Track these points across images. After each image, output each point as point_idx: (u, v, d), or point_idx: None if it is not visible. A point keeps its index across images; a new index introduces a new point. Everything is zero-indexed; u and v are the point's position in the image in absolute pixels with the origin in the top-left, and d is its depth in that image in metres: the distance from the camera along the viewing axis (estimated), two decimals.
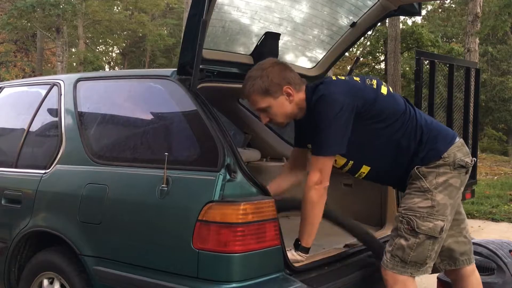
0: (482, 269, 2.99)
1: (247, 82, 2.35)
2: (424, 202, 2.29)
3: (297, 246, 2.38)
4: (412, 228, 2.28)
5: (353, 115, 2.26)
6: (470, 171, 2.40)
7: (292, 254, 2.32)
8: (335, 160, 2.38)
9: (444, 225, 2.29)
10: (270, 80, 2.30)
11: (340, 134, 2.25)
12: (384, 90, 2.40)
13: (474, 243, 3.15)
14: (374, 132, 2.35)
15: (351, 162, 2.41)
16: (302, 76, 3.35)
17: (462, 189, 2.41)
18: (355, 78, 2.43)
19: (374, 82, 2.41)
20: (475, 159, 2.52)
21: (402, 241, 2.30)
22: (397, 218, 2.36)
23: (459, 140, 2.42)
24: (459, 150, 2.37)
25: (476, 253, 3.05)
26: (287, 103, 2.35)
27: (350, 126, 2.26)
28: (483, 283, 2.82)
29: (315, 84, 2.38)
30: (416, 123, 2.39)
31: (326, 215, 2.52)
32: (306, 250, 2.38)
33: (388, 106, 2.36)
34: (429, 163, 2.32)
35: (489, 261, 3.05)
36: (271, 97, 2.32)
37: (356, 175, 2.48)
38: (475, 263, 2.99)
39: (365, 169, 2.44)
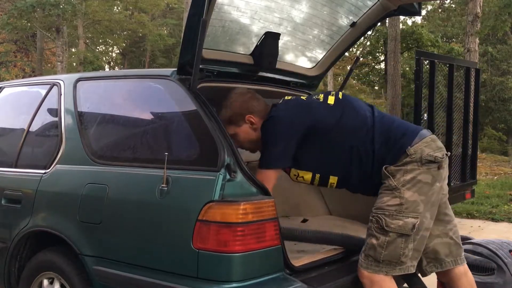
0: (482, 269, 2.99)
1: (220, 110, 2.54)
2: (392, 200, 2.32)
3: None
4: (381, 227, 2.31)
5: (299, 133, 2.40)
6: (444, 166, 2.38)
7: None
8: (302, 177, 2.52)
9: (416, 222, 2.28)
10: (232, 111, 2.53)
11: (280, 150, 2.40)
12: (331, 100, 2.50)
13: (474, 243, 3.15)
14: (328, 143, 2.43)
15: (317, 175, 2.51)
16: (302, 76, 3.37)
17: (438, 184, 2.38)
18: (302, 97, 2.63)
19: (321, 96, 2.54)
20: (449, 153, 2.47)
21: (373, 240, 2.33)
22: (369, 218, 2.39)
23: (428, 136, 2.41)
24: (427, 145, 2.36)
25: (476, 253, 3.05)
26: (251, 131, 2.55)
27: (294, 142, 2.39)
28: (483, 283, 2.82)
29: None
30: (374, 127, 2.42)
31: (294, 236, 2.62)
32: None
33: (335, 116, 2.44)
34: (396, 161, 2.35)
35: (489, 261, 3.05)
36: (235, 126, 2.54)
37: (328, 186, 2.56)
38: (475, 263, 2.99)
39: (333, 179, 2.51)
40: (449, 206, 2.61)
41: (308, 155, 2.46)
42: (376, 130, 2.41)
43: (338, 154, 2.44)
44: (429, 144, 2.38)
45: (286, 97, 2.64)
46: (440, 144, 2.42)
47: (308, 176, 2.51)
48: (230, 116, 2.53)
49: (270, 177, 2.39)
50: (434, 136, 2.45)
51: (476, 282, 2.88)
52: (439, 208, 2.47)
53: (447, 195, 2.58)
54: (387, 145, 2.39)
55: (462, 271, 2.60)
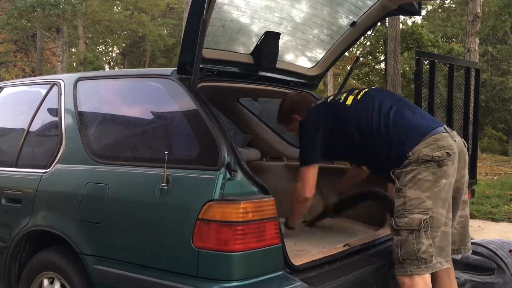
0: (482, 269, 2.99)
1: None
2: (398, 201, 2.45)
3: (285, 224, 3.00)
4: (393, 227, 2.44)
5: (323, 132, 2.67)
6: (447, 163, 2.40)
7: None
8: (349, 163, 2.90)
9: (425, 217, 2.36)
10: (282, 111, 3.04)
11: (309, 150, 2.71)
12: (349, 100, 2.70)
13: (474, 243, 3.15)
14: (347, 139, 2.64)
15: (353, 164, 2.90)
16: (302, 75, 3.37)
17: (445, 181, 2.41)
18: (329, 98, 2.89)
19: (343, 96, 2.76)
20: (443, 152, 2.46)
21: (392, 243, 2.47)
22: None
23: (434, 135, 2.45)
24: (426, 146, 2.43)
25: (476, 253, 3.05)
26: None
27: (320, 142, 2.68)
28: (483, 283, 2.83)
29: None
30: (380, 128, 2.54)
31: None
32: (290, 228, 3.04)
33: (349, 116, 2.64)
34: (400, 164, 2.46)
35: (489, 261, 3.05)
36: (287, 123, 3.05)
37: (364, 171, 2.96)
38: (475, 263, 3.00)
39: (364, 168, 2.89)
40: (465, 198, 2.64)
41: (337, 149, 2.73)
42: (385, 132, 2.54)
43: (353, 147, 2.65)
44: (429, 144, 2.43)
45: (322, 100, 2.98)
46: (443, 143, 2.44)
47: (347, 165, 2.87)
48: (281, 115, 3.05)
49: (306, 174, 2.70)
50: (440, 135, 2.47)
51: (476, 282, 2.89)
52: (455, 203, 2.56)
53: (463, 189, 2.60)
54: (392, 147, 2.50)
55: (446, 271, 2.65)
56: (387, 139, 2.52)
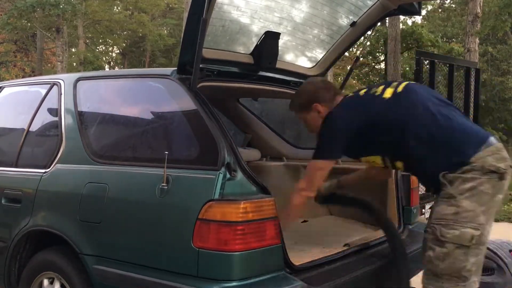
0: (482, 269, 2.99)
1: (292, 97, 2.79)
2: (448, 209, 2.22)
3: None
4: (436, 237, 2.22)
5: (351, 130, 2.45)
6: (507, 177, 2.24)
7: None
8: (374, 161, 2.56)
9: (477, 234, 2.17)
10: (301, 98, 2.68)
11: (331, 145, 2.49)
12: (388, 93, 2.47)
13: None
14: (384, 132, 2.43)
15: (387, 159, 2.51)
16: (302, 75, 3.37)
17: (500, 196, 2.26)
18: (361, 91, 2.64)
19: (380, 88, 2.53)
20: None
21: (430, 253, 2.25)
22: (425, 230, 2.32)
23: (494, 145, 2.28)
24: (491, 155, 2.24)
25: None
26: (318, 118, 2.61)
27: (344, 139, 2.47)
28: (483, 283, 2.81)
29: None
30: (432, 127, 2.31)
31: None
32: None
33: (389, 110, 2.42)
34: (456, 169, 2.23)
35: (489, 261, 3.05)
36: (304, 112, 2.67)
37: (397, 169, 2.65)
38: None
39: (399, 164, 2.49)
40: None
41: (372, 142, 2.49)
42: (435, 131, 2.32)
43: (395, 143, 2.42)
44: (494, 153, 2.25)
45: (352, 93, 2.72)
46: (505, 154, 2.28)
47: (378, 159, 2.54)
48: (300, 103, 2.68)
49: (314, 167, 2.53)
50: (500, 145, 2.31)
51: None
52: None
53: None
54: (442, 148, 2.29)
55: None
56: (441, 140, 2.30)
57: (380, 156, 2.51)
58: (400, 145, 2.40)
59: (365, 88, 2.67)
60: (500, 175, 2.22)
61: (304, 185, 2.53)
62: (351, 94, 2.70)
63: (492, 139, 2.31)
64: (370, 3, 3.19)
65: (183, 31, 2.66)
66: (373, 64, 24.99)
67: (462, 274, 2.20)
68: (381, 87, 2.54)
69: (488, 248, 3.09)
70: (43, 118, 3.02)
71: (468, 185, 2.20)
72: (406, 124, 2.36)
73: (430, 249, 2.25)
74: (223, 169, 2.06)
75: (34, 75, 20.75)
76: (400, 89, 2.48)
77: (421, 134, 2.32)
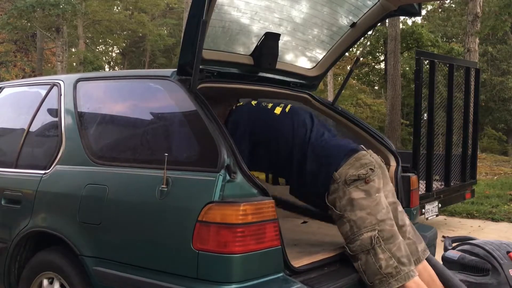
0: (477, 270, 2.99)
1: None
2: (343, 227, 2.45)
3: None
4: (350, 255, 2.44)
5: (250, 133, 2.62)
6: (373, 178, 2.46)
7: None
8: (258, 177, 2.58)
9: (373, 234, 2.37)
10: None
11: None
12: (278, 110, 2.69)
13: (472, 244, 3.15)
14: (270, 149, 2.62)
15: (270, 175, 2.76)
16: (302, 76, 3.37)
17: (378, 194, 2.46)
18: (252, 102, 2.82)
19: (270, 105, 2.74)
20: (374, 168, 2.52)
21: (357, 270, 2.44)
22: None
23: (353, 156, 2.49)
24: (350, 166, 2.46)
25: (473, 253, 3.05)
26: None
27: (246, 140, 2.61)
28: (477, 283, 2.83)
29: None
30: (308, 144, 2.55)
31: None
32: None
33: (276, 123, 2.64)
34: (329, 189, 2.48)
35: (484, 262, 3.05)
36: None
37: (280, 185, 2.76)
38: (471, 264, 3.00)
39: (282, 180, 2.72)
40: (401, 209, 2.69)
41: (259, 158, 2.66)
42: (311, 149, 2.55)
43: (278, 160, 2.64)
44: (353, 164, 2.48)
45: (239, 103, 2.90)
46: (365, 160, 2.49)
47: (262, 176, 2.74)
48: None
49: None
50: (361, 153, 2.53)
51: (470, 282, 2.89)
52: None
53: (397, 202, 2.68)
54: (320, 165, 2.51)
55: (421, 268, 2.65)
56: (315, 158, 2.53)
57: (264, 173, 2.76)
58: (282, 158, 2.61)
59: (255, 100, 2.86)
60: (364, 179, 2.44)
61: None
62: (240, 104, 2.89)
63: (350, 150, 2.53)
64: (370, 3, 3.18)
65: (183, 31, 2.66)
66: (373, 64, 25.00)
67: (384, 272, 2.38)
68: (271, 104, 2.75)
69: (484, 249, 3.09)
70: (43, 119, 3.02)
71: (344, 200, 2.44)
72: (287, 139, 2.60)
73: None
74: (223, 171, 2.06)
75: (34, 75, 20.77)
76: (287, 109, 2.71)
77: (298, 150, 2.56)
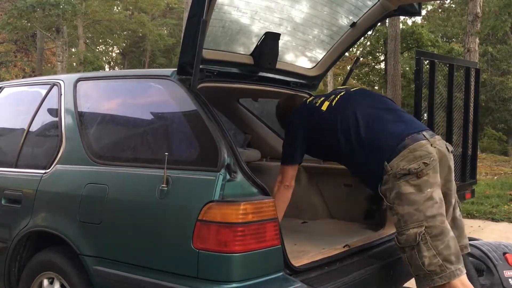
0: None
1: None
2: (393, 219, 2.45)
3: None
4: (398, 246, 2.43)
5: (304, 132, 2.72)
6: (427, 172, 2.35)
7: None
8: None
9: (419, 231, 2.32)
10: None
11: (292, 150, 2.75)
12: (324, 106, 2.73)
13: (469, 244, 3.16)
14: (324, 142, 2.70)
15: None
16: (302, 76, 3.37)
17: (429, 190, 2.35)
18: (308, 100, 2.90)
19: (319, 100, 2.79)
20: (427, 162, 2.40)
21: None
22: None
23: (407, 148, 2.39)
24: (403, 159, 2.38)
25: (469, 254, 3.06)
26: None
27: (299, 142, 2.73)
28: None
29: None
30: (352, 136, 2.54)
31: None
32: None
33: (323, 121, 2.68)
34: (382, 180, 2.44)
35: (479, 262, 3.05)
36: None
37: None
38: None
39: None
40: (454, 201, 2.62)
41: (320, 150, 2.80)
42: (358, 141, 2.54)
43: (329, 153, 2.76)
44: (406, 156, 2.38)
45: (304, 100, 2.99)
46: (420, 152, 2.38)
47: None
48: (279, 122, 3.19)
49: (286, 170, 2.76)
50: (415, 145, 2.40)
51: None
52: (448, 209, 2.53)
53: (454, 196, 2.60)
54: (369, 156, 2.50)
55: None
56: (363, 145, 2.52)
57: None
58: (341, 154, 2.66)
59: (311, 97, 2.95)
60: (415, 174, 2.35)
61: (282, 180, 2.77)
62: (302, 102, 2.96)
63: (402, 142, 2.42)
64: (370, 3, 3.19)
65: (183, 31, 2.66)
66: (373, 64, 25.00)
67: (428, 268, 2.36)
68: (321, 99, 2.80)
69: (480, 250, 3.09)
70: (43, 118, 3.02)
71: (393, 193, 2.40)
72: (337, 136, 2.61)
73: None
74: (223, 170, 2.06)
75: (34, 75, 20.76)
76: (334, 103, 2.72)
77: (343, 141, 2.58)
